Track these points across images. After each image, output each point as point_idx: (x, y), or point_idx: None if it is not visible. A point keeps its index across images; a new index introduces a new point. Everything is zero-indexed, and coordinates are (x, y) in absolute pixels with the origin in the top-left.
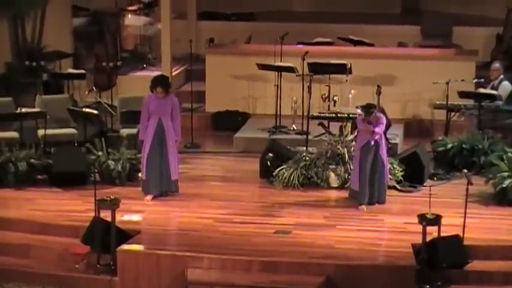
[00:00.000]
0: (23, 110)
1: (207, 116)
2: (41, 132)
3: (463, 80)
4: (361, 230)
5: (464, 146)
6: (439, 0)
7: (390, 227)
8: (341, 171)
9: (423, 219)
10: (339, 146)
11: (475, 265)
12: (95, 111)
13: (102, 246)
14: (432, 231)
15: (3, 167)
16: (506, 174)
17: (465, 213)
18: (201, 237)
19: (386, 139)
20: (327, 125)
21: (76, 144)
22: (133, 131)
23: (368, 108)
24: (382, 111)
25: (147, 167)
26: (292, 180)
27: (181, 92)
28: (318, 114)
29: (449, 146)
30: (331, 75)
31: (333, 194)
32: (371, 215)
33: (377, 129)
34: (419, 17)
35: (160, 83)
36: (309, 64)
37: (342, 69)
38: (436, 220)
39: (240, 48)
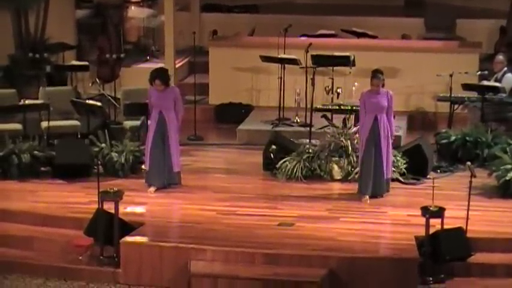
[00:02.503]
0: (27, 101)
1: (210, 108)
2: (44, 124)
3: (466, 73)
4: (364, 222)
5: (467, 138)
6: None
7: (393, 220)
8: (344, 164)
9: (426, 212)
10: (342, 139)
11: (478, 258)
12: (98, 103)
13: (106, 238)
14: (435, 224)
15: (6, 159)
16: (509, 166)
17: (468, 205)
18: (204, 229)
19: None
20: (330, 118)
21: (79, 136)
22: (137, 123)
23: (376, 73)
24: None
25: (149, 159)
26: (296, 173)
27: (184, 84)
28: (321, 106)
29: (453, 138)
30: (334, 68)
31: (336, 187)
32: (374, 208)
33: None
34: (422, 9)
35: (158, 75)
36: (312, 56)
37: (346, 61)
38: (439, 212)
39: (244, 41)
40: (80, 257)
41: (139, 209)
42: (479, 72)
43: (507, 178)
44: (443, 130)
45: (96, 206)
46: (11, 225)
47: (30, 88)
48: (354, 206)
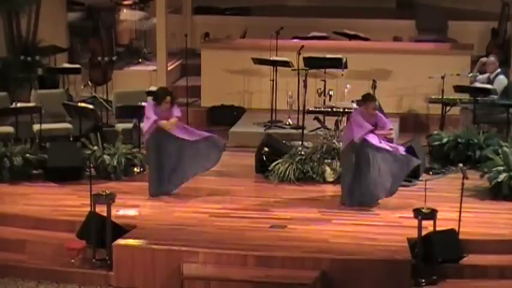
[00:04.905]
0: (18, 104)
1: (202, 110)
2: (36, 127)
3: (458, 74)
4: (357, 224)
5: (459, 140)
6: None
7: (386, 221)
8: (337, 166)
9: (419, 214)
10: (334, 141)
11: (470, 259)
12: (90, 106)
13: (98, 241)
14: (428, 226)
15: None
16: (501, 168)
17: (460, 207)
18: (196, 231)
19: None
20: (322, 120)
21: (71, 139)
22: (129, 125)
23: (370, 99)
24: (379, 106)
25: None
26: (288, 175)
27: (176, 87)
28: (313, 108)
29: (445, 140)
30: (326, 70)
31: (329, 189)
32: (366, 210)
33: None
34: (414, 11)
35: (169, 93)
36: (304, 58)
37: (338, 63)
38: (431, 214)
39: (235, 43)
40: (73, 260)
41: (131, 212)
42: (470, 74)
43: (499, 180)
44: (435, 132)
45: (88, 209)
46: (3, 228)
47: (22, 91)
48: (346, 208)
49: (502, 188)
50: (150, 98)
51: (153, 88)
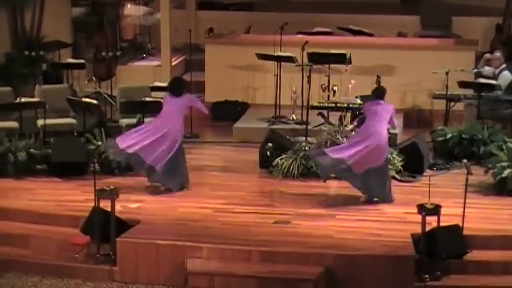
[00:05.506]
0: (23, 100)
1: (206, 106)
2: (40, 122)
3: (462, 70)
4: (361, 220)
5: (463, 136)
6: None
7: (390, 217)
8: None
9: (423, 209)
10: (338, 136)
11: (474, 255)
12: (95, 101)
13: (102, 236)
14: (432, 221)
15: (2, 157)
16: (505, 164)
17: (464, 203)
18: (200, 227)
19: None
20: (326, 115)
21: (75, 134)
22: (133, 121)
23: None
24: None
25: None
26: (292, 170)
27: None
28: (317, 104)
29: (449, 136)
30: (330, 65)
31: (333, 184)
32: (371, 205)
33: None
34: (418, 7)
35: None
36: (308, 54)
37: (342, 59)
38: (435, 210)
39: (240, 38)
40: (77, 255)
41: (135, 207)
42: (475, 70)
43: (503, 175)
44: (440, 128)
45: (92, 204)
46: (7, 223)
47: (26, 86)
48: (350, 203)
49: (506, 183)
50: (166, 94)
51: (158, 83)
